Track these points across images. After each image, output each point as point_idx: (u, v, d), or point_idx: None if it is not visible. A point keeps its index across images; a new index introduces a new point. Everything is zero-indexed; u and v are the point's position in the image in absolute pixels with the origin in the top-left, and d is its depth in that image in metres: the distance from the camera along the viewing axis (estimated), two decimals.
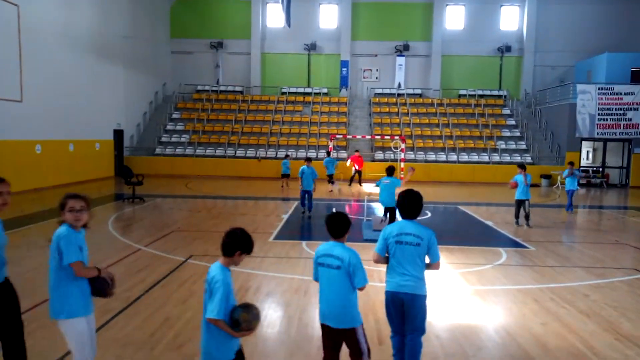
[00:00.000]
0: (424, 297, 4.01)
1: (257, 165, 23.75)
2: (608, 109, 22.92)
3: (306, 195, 12.45)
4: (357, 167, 20.83)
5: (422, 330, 4.04)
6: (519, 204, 11.81)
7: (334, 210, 3.99)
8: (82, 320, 3.44)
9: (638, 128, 22.75)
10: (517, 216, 11.98)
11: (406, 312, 3.99)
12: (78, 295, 3.36)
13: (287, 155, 20.72)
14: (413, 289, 3.95)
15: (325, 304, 3.69)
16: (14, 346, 3.65)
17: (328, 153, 21.62)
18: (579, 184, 22.12)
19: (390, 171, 10.24)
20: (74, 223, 3.42)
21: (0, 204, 3.56)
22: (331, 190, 18.41)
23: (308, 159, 12.88)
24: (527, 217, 11.74)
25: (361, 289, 3.65)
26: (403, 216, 4.13)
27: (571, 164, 14.26)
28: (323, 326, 3.75)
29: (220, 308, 3.06)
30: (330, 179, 19.05)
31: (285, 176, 19.39)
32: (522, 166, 11.94)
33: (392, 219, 10.07)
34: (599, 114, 22.94)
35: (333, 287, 3.64)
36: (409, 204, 4.07)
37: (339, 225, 3.73)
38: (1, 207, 3.58)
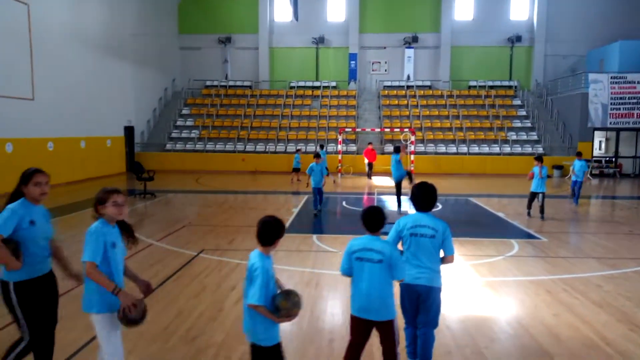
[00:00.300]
0: (439, 289, 4.04)
1: (266, 159, 23.79)
2: (621, 98, 22.60)
3: (316, 192, 11.86)
4: (367, 160, 20.80)
5: (435, 324, 4.05)
6: (533, 195, 11.67)
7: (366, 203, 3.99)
8: (108, 316, 3.40)
9: None
10: (529, 207, 11.83)
11: (421, 304, 4.01)
12: (105, 291, 3.32)
13: (298, 150, 20.92)
14: (429, 281, 3.97)
15: (365, 298, 3.71)
16: (43, 339, 3.64)
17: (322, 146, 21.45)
18: (592, 174, 21.94)
19: (396, 149, 12.14)
20: (118, 217, 3.43)
21: (39, 193, 3.57)
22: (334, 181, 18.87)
23: (317, 155, 11.97)
24: (541, 210, 11.53)
25: (400, 281, 3.76)
26: (417, 208, 4.14)
27: (579, 154, 13.85)
28: (357, 319, 3.78)
29: (260, 294, 3.16)
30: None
31: (296, 170, 19.46)
32: (538, 158, 11.65)
33: (398, 192, 11.65)
34: (611, 104, 22.63)
35: (374, 281, 3.65)
36: (422, 196, 4.07)
37: (376, 220, 3.73)
38: (41, 197, 3.61)
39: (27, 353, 3.65)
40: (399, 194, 12.26)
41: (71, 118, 18.44)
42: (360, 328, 3.78)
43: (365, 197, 15.76)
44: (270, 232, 3.38)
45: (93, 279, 3.22)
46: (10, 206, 3.48)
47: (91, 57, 19.96)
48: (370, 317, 3.69)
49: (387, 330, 3.72)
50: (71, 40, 18.50)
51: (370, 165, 20.94)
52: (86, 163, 19.45)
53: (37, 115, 16.36)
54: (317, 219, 11.64)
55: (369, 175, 20.97)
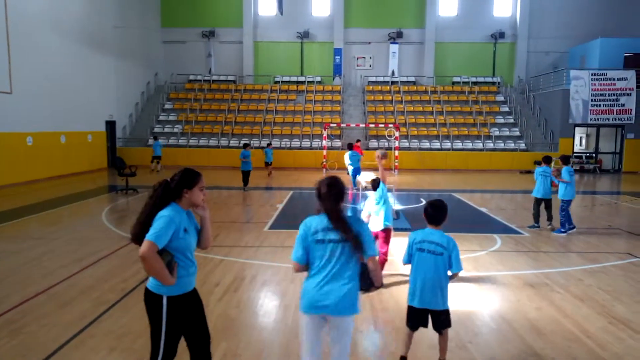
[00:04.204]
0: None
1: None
2: (601, 95, 22.97)
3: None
4: None
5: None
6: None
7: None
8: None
9: (631, 113, 22.84)
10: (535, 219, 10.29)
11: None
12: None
13: (269, 145, 21.39)
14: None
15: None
16: (201, 356, 3.39)
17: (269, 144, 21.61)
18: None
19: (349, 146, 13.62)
20: (201, 203, 3.26)
21: (201, 200, 3.26)
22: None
23: (246, 145, 15.60)
24: (548, 217, 10.10)
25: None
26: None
27: (565, 159, 10.40)
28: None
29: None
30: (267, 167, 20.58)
31: (268, 164, 20.38)
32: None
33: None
34: (592, 100, 22.99)
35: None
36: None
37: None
38: (201, 204, 3.28)
39: None
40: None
41: (51, 112, 18.08)
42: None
43: (350, 192, 15.76)
44: (443, 212, 3.94)
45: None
46: (165, 213, 3.06)
47: (72, 49, 19.57)
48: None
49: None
50: (51, 31, 18.11)
51: None
52: (66, 158, 19.11)
53: (15, 109, 15.99)
54: (302, 213, 11.63)
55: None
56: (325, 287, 3.12)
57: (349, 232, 3.08)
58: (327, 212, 3.16)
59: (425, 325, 4.10)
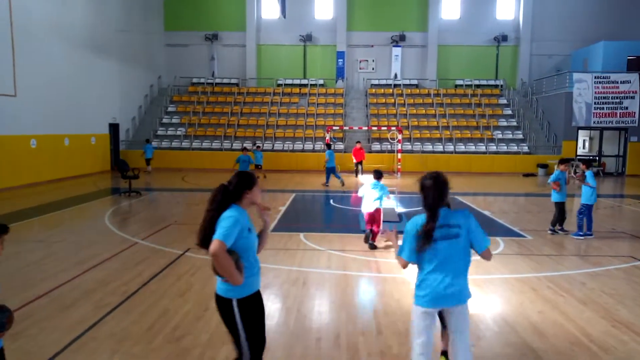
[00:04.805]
0: None
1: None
2: (604, 98, 22.91)
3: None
4: (355, 160, 20.75)
5: None
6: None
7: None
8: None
9: (634, 116, 22.77)
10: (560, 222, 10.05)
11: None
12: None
13: (258, 147, 21.09)
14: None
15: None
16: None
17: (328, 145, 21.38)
18: (575, 173, 22.17)
19: (328, 146, 11.52)
20: (260, 201, 3.47)
21: (259, 200, 3.43)
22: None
23: (244, 149, 15.14)
24: (561, 221, 9.96)
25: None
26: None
27: (587, 163, 10.21)
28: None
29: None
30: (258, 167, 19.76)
31: (258, 167, 19.82)
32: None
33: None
34: (595, 103, 22.93)
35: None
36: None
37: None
38: (257, 204, 3.43)
39: None
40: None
41: (55, 115, 18.15)
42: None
43: (353, 195, 15.76)
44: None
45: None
46: (230, 214, 3.18)
47: (75, 52, 19.66)
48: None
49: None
50: (55, 35, 18.19)
51: (358, 164, 20.85)
52: (70, 161, 19.17)
53: (19, 112, 16.05)
54: (305, 215, 11.66)
55: (356, 174, 20.96)
56: (444, 280, 3.23)
57: (457, 227, 3.25)
58: (433, 209, 3.27)
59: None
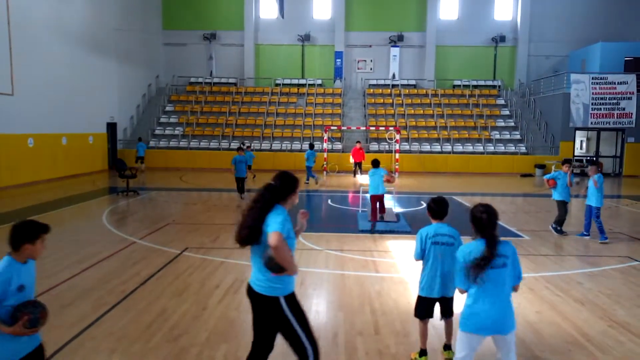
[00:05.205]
0: None
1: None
2: (602, 99, 22.97)
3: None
4: (353, 160, 20.75)
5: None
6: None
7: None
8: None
9: (631, 117, 22.83)
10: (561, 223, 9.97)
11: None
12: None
13: (248, 147, 20.43)
14: None
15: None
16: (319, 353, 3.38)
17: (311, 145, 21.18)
18: (573, 173, 22.23)
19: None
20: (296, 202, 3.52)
21: (294, 203, 3.52)
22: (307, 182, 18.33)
23: (240, 148, 14.30)
24: (561, 221, 9.95)
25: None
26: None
27: (595, 163, 11.22)
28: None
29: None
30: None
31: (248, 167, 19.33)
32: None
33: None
34: (592, 104, 22.99)
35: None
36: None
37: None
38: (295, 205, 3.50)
39: None
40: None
41: (52, 114, 18.11)
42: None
43: (350, 195, 15.78)
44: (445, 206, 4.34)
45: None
46: (281, 212, 3.22)
47: (73, 51, 19.61)
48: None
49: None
50: (52, 33, 18.15)
51: (357, 164, 20.81)
52: (68, 160, 19.13)
53: (16, 111, 16.02)
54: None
55: (355, 174, 20.97)
56: (492, 309, 3.33)
57: (505, 257, 3.36)
58: (487, 238, 3.34)
59: (432, 315, 4.33)
